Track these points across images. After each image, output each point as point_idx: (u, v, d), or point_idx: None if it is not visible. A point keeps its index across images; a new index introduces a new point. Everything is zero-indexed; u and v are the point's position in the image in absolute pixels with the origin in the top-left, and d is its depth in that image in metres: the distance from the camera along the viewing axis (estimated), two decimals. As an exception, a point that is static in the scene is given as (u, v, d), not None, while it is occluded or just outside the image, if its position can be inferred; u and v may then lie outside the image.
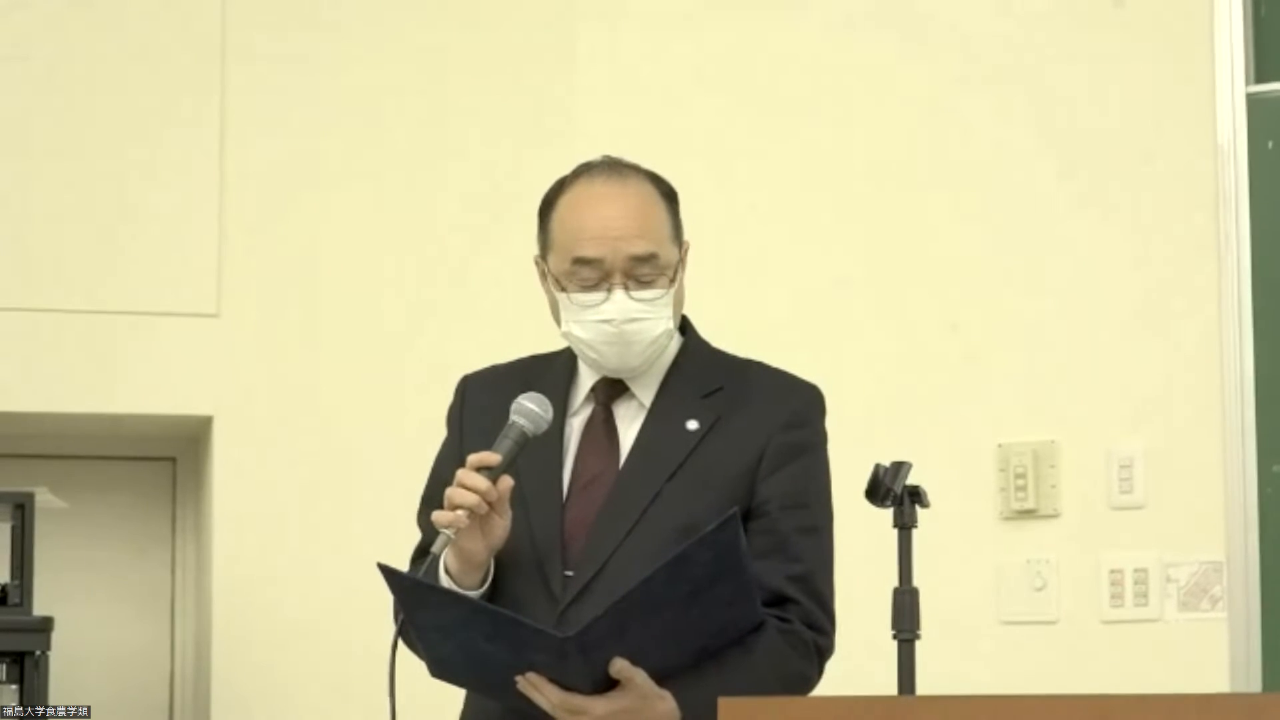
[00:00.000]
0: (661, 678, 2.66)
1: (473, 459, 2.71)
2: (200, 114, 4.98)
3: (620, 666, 2.62)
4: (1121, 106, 4.65)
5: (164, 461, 5.40)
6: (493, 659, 2.66)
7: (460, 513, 2.67)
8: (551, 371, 2.91)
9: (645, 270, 2.79)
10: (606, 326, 2.79)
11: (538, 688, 2.64)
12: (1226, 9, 4.54)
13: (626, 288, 2.78)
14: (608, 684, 2.64)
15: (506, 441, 2.72)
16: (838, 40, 4.91)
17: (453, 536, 2.68)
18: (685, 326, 2.94)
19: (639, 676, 2.63)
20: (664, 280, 2.80)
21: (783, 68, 4.93)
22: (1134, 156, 4.63)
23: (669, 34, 5.04)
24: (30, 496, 4.76)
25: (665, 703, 2.66)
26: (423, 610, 2.69)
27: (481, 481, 2.68)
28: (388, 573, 2.65)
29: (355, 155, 5.04)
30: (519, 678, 2.64)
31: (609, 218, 2.79)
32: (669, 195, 2.87)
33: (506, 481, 2.71)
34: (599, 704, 2.64)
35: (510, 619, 2.64)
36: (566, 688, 2.64)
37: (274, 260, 5.00)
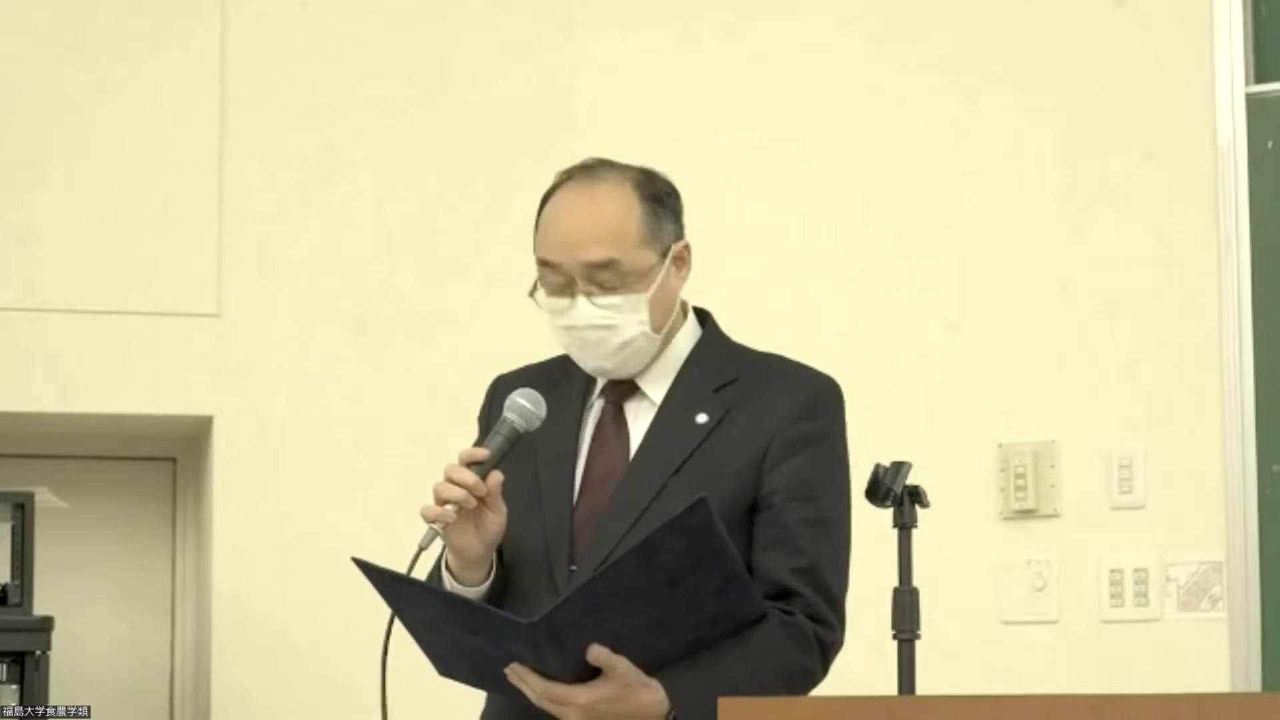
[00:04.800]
0: (654, 668, 2.66)
1: (462, 454, 2.72)
2: (201, 114, 4.99)
3: (599, 654, 2.61)
4: (1121, 106, 4.66)
5: (164, 461, 5.40)
6: (480, 651, 2.66)
7: (448, 507, 2.68)
8: (574, 371, 2.91)
9: (605, 276, 2.79)
10: (573, 333, 2.81)
11: (523, 678, 2.64)
12: (1226, 9, 4.55)
13: (589, 294, 2.79)
14: (591, 673, 2.64)
15: (498, 438, 2.73)
16: (837, 40, 4.91)
17: (439, 530, 2.68)
18: (705, 320, 2.94)
19: (621, 664, 2.63)
20: (630, 285, 2.79)
21: (782, 68, 4.94)
22: (1134, 156, 4.63)
23: (667, 31, 5.05)
24: (30, 496, 4.77)
25: (652, 692, 2.65)
26: (405, 604, 2.69)
27: (468, 476, 2.68)
28: (364, 567, 2.67)
29: (356, 155, 5.05)
30: (506, 670, 2.64)
31: (569, 226, 2.80)
32: (654, 197, 2.85)
33: (495, 476, 2.71)
34: (582, 693, 2.63)
35: (479, 608, 2.66)
36: (551, 678, 2.64)
37: (274, 260, 5.00)
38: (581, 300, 2.79)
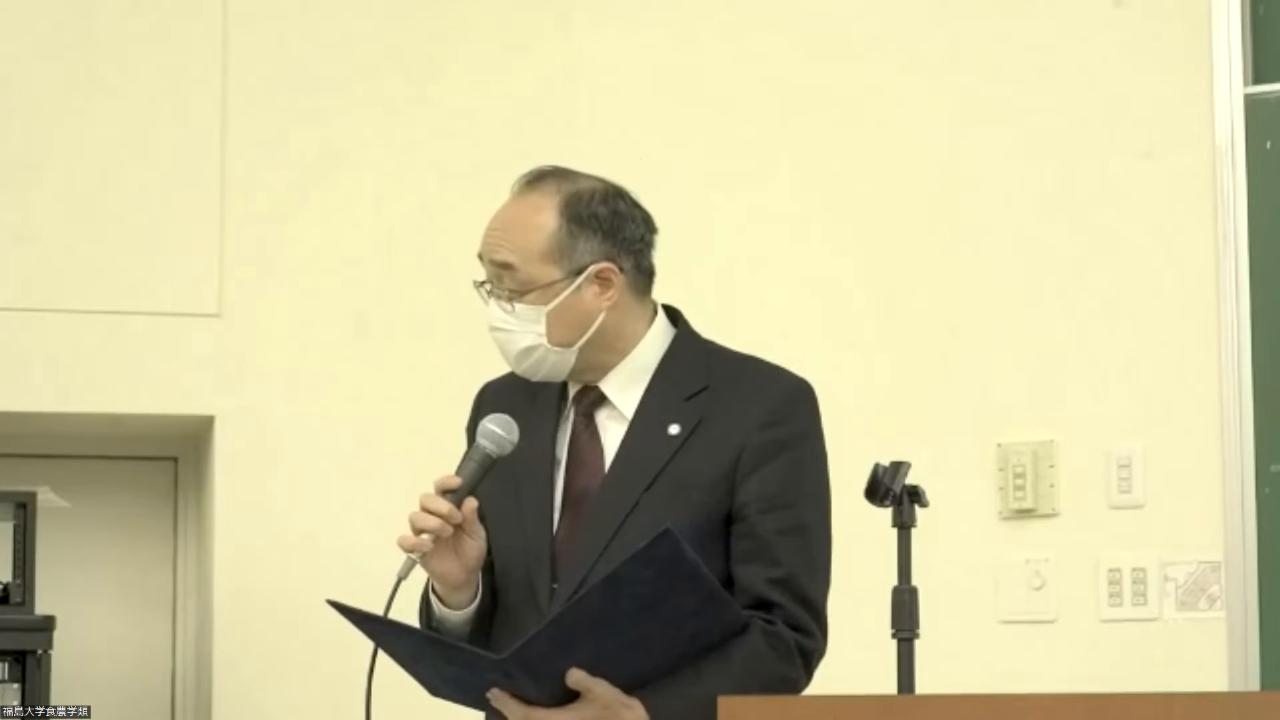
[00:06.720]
0: (637, 686, 2.67)
1: (436, 482, 2.75)
2: (201, 114, 4.99)
3: (578, 678, 2.64)
4: (1121, 107, 4.66)
5: (165, 461, 5.41)
6: (461, 679, 2.70)
7: (425, 536, 2.71)
8: (553, 382, 2.93)
9: (505, 280, 2.85)
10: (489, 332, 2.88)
11: (503, 704, 2.68)
12: (1225, 9, 4.55)
13: (497, 297, 2.86)
14: (571, 695, 2.66)
15: (470, 464, 2.76)
16: (837, 40, 4.92)
17: (417, 560, 2.71)
18: (678, 322, 2.95)
19: (599, 687, 2.65)
20: (527, 296, 2.83)
21: (782, 68, 4.94)
22: (1133, 156, 4.64)
23: (667, 31, 5.05)
24: (32, 496, 4.77)
25: (632, 711, 2.67)
26: (383, 640, 2.73)
27: (443, 505, 2.71)
28: (340, 609, 2.71)
29: (356, 155, 5.05)
30: (488, 695, 2.68)
31: (490, 227, 2.89)
32: (575, 216, 2.84)
33: (470, 504, 2.74)
34: (561, 716, 2.66)
35: (452, 645, 2.70)
36: (530, 701, 2.66)
37: (274, 260, 5.01)
38: (491, 301, 2.87)
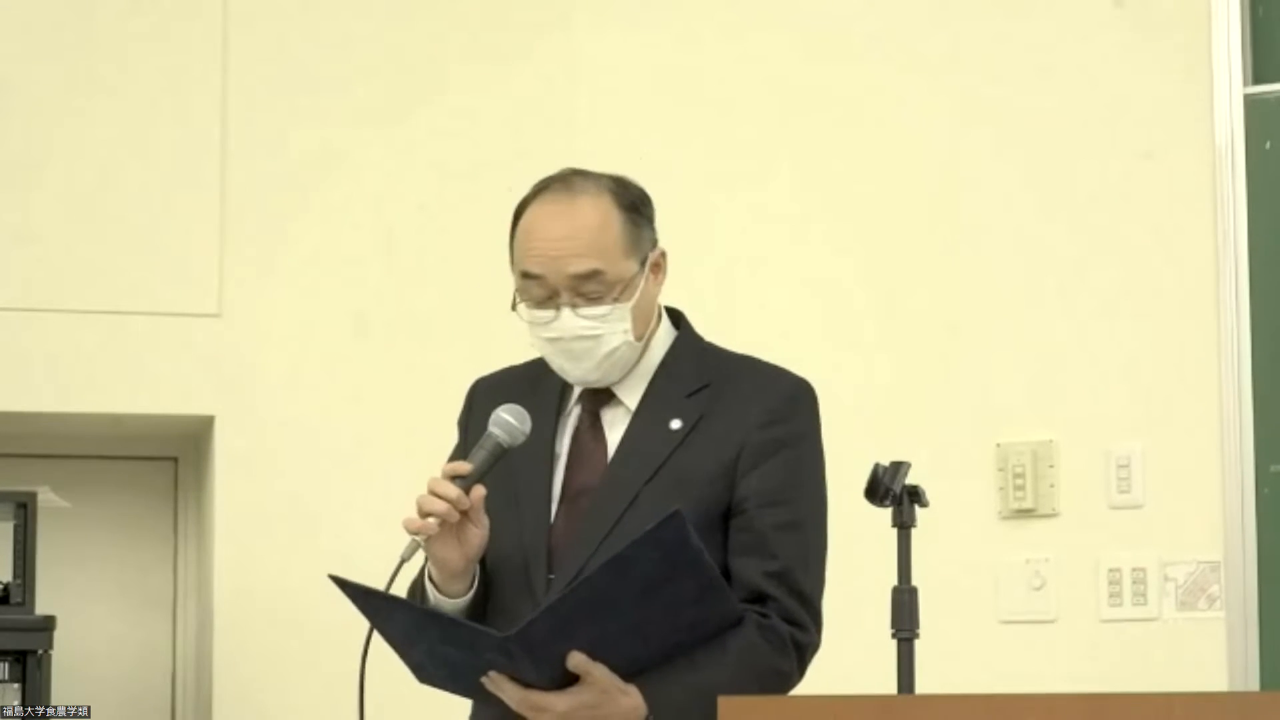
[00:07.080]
0: (633, 673, 2.68)
1: (446, 468, 2.76)
2: (201, 114, 4.99)
3: (578, 661, 2.64)
4: (1121, 106, 4.66)
5: (166, 461, 5.41)
6: (456, 660, 2.70)
7: (431, 520, 2.70)
8: (551, 376, 2.92)
9: (591, 287, 2.81)
10: (558, 344, 2.83)
11: (500, 686, 2.68)
12: (1225, 10, 4.55)
13: (574, 306, 2.81)
14: (569, 679, 2.66)
15: (481, 452, 2.76)
16: (837, 40, 4.92)
17: (421, 543, 2.71)
18: (679, 323, 2.96)
19: (598, 670, 2.65)
20: (614, 294, 2.81)
21: (782, 68, 4.94)
22: (1133, 156, 4.64)
23: (667, 31, 5.05)
24: (33, 496, 4.78)
25: (629, 698, 2.68)
26: (381, 618, 2.73)
27: (451, 490, 2.71)
28: (340, 584, 2.70)
29: (356, 155, 5.06)
30: (483, 678, 2.67)
31: (551, 238, 2.81)
32: (630, 206, 2.86)
33: (479, 491, 2.73)
34: (560, 700, 2.66)
35: (452, 621, 2.69)
36: (528, 684, 2.66)
37: (274, 260, 5.01)
38: (566, 312, 2.81)
